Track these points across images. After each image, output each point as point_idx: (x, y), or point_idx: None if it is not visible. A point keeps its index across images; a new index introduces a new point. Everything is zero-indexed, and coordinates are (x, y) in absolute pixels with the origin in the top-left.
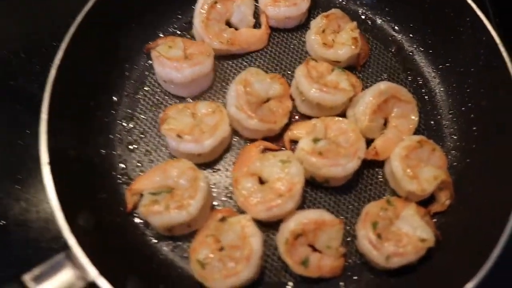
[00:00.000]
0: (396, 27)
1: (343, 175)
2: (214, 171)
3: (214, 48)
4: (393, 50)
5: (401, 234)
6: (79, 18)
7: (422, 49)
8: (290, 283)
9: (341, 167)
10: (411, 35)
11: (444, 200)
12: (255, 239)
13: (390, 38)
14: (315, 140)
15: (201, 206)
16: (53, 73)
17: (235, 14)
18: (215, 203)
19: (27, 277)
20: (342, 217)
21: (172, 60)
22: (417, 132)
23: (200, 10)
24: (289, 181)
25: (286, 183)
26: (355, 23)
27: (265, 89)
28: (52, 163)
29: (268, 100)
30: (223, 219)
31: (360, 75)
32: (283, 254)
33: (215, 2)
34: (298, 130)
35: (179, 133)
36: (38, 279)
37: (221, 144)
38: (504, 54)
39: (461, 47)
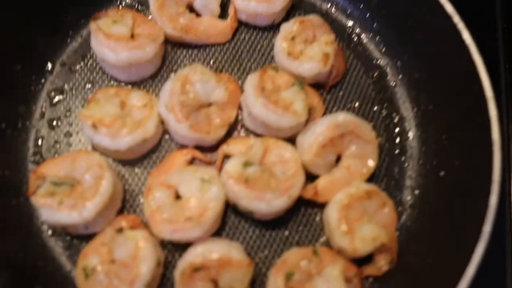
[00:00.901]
0: (383, 50)
1: (266, 212)
2: (133, 169)
3: (166, 33)
4: (373, 76)
5: None
6: None
7: (406, 82)
8: None
9: (265, 202)
10: (398, 63)
11: (382, 264)
12: (145, 264)
13: (373, 62)
14: (246, 164)
15: (98, 210)
16: None
17: None
18: (127, 205)
19: None
20: (262, 254)
21: (110, 38)
22: (375, 176)
23: None
24: (203, 204)
25: (199, 206)
26: (333, 36)
27: (208, 92)
28: None
29: (210, 105)
30: (120, 230)
31: (328, 96)
32: (177, 284)
33: None
34: (235, 146)
35: (96, 123)
36: None
37: (143, 144)
38: (492, 113)
39: (450, 91)
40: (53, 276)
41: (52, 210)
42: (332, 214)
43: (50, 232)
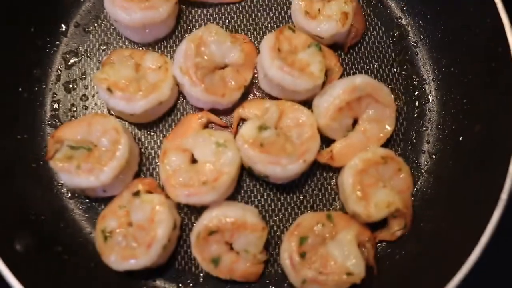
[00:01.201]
0: (405, 8)
1: (282, 176)
2: (149, 132)
3: None
4: (394, 36)
5: (329, 258)
6: None
7: (428, 43)
8: (202, 274)
9: (280, 167)
10: (420, 22)
11: (395, 229)
12: (162, 226)
13: (395, 20)
14: (261, 128)
15: (115, 174)
16: None
17: None
18: (144, 168)
19: None
20: (276, 217)
21: None
22: (392, 140)
23: None
24: (218, 169)
25: (214, 171)
26: None
27: (223, 54)
28: None
29: (225, 66)
30: (137, 194)
31: (346, 57)
32: (193, 247)
33: None
34: (250, 109)
35: (111, 86)
36: None
37: (158, 107)
38: None
39: (473, 53)
40: (73, 237)
41: (71, 174)
42: (347, 179)
43: (69, 194)
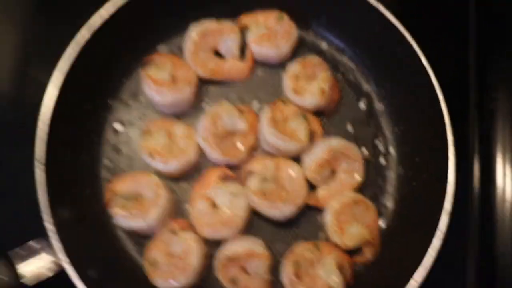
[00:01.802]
0: (371, 80)
1: (280, 216)
2: (180, 183)
3: (198, 75)
4: (362, 101)
5: (317, 277)
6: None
7: (389, 107)
8: None
9: (278, 210)
10: (383, 91)
11: (367, 254)
12: (195, 257)
13: (363, 91)
14: (263, 181)
15: (158, 218)
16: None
17: (222, 45)
18: (177, 211)
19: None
20: (278, 246)
21: (157, 84)
22: (363, 186)
23: (190, 41)
24: (233, 213)
25: (231, 214)
26: (327, 74)
27: (233, 124)
28: (47, 163)
29: (234, 133)
30: (174, 232)
31: (327, 121)
32: (217, 271)
33: (205, 34)
34: (254, 166)
35: (151, 152)
36: (19, 257)
37: (187, 165)
38: (449, 137)
39: (420, 118)
40: (127, 265)
41: (125, 219)
42: (327, 217)
43: (122, 232)
